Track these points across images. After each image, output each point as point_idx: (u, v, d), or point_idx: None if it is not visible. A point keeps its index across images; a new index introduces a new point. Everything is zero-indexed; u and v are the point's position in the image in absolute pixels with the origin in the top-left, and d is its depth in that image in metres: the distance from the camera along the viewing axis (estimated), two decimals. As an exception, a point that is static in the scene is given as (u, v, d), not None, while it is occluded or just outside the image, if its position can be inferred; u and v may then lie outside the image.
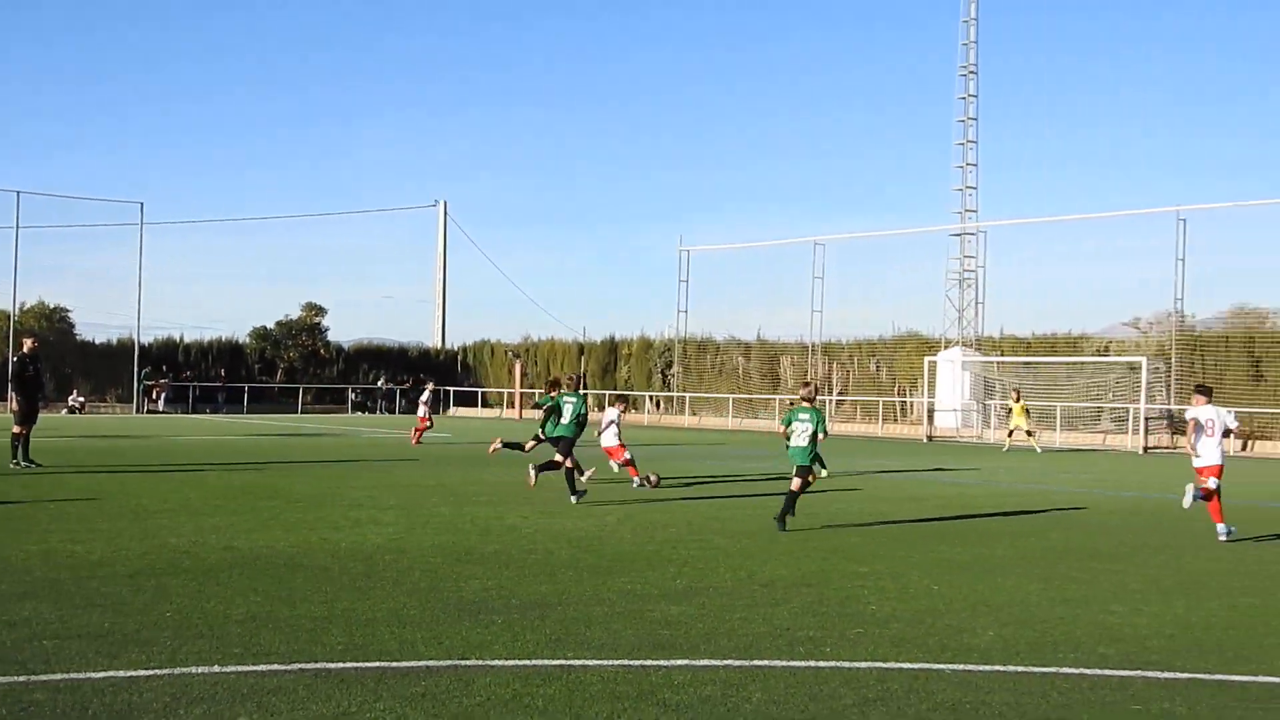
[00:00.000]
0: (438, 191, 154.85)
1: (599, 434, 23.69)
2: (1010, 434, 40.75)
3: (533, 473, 20.23)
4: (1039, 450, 40.05)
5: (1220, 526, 16.00)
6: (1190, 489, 16.12)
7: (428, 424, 36.53)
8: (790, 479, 16.36)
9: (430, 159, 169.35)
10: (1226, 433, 16.40)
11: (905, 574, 12.60)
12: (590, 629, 9.43)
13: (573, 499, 18.85)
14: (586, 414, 20.13)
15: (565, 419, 19.83)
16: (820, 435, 16.30)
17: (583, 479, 21.40)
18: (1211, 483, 16.10)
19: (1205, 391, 16.90)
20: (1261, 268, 54.41)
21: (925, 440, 45.18)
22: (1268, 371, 43.27)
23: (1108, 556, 14.32)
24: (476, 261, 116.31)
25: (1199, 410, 16.52)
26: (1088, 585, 12.15)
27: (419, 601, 10.42)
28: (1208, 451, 16.33)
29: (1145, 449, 41.47)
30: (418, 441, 35.87)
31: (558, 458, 19.69)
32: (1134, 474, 29.17)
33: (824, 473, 24.00)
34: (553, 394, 21.62)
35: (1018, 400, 40.64)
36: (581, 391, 20.63)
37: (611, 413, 24.21)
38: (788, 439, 16.42)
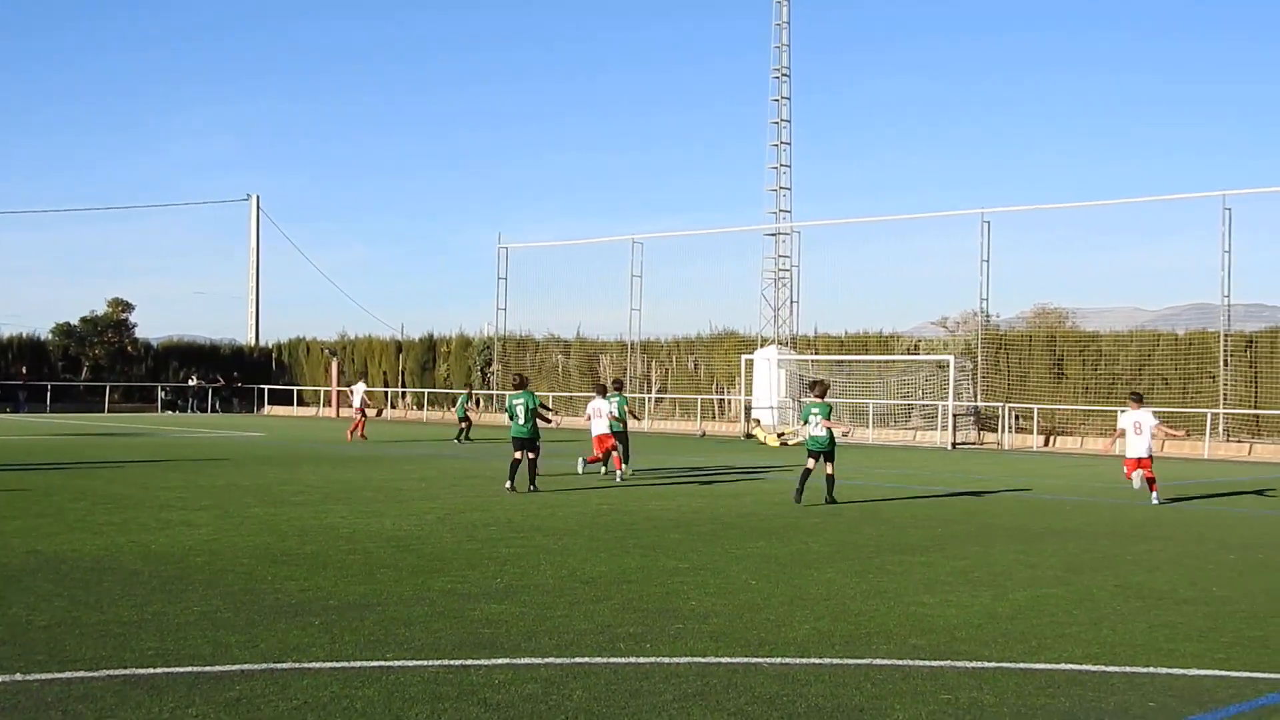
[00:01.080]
0: (250, 185, 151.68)
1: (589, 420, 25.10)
2: (782, 432, 42.72)
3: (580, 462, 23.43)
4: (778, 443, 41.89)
5: (1154, 495, 21.27)
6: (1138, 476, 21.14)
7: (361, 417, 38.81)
8: (805, 462, 20.54)
9: (242, 152, 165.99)
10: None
11: (725, 569, 12.75)
12: (410, 629, 9.34)
13: (520, 486, 21.10)
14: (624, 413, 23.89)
15: (520, 419, 21.20)
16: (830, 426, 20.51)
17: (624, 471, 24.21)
18: (1138, 478, 21.23)
19: (1137, 398, 21.90)
20: (1061, 269, 56.36)
21: (743, 438, 45.76)
22: (1068, 370, 44.87)
23: (919, 549, 14.69)
24: (291, 257, 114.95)
25: (1132, 415, 21.25)
26: (900, 578, 12.45)
27: (233, 604, 10.20)
28: (1140, 446, 21.17)
29: (954, 444, 42.66)
30: (363, 435, 38.43)
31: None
32: (943, 469, 29.99)
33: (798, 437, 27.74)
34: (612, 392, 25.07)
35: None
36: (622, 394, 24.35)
37: (602, 404, 25.09)
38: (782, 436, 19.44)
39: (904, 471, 28.93)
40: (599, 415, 24.77)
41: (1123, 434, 21.65)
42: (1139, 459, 21.28)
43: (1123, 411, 22.47)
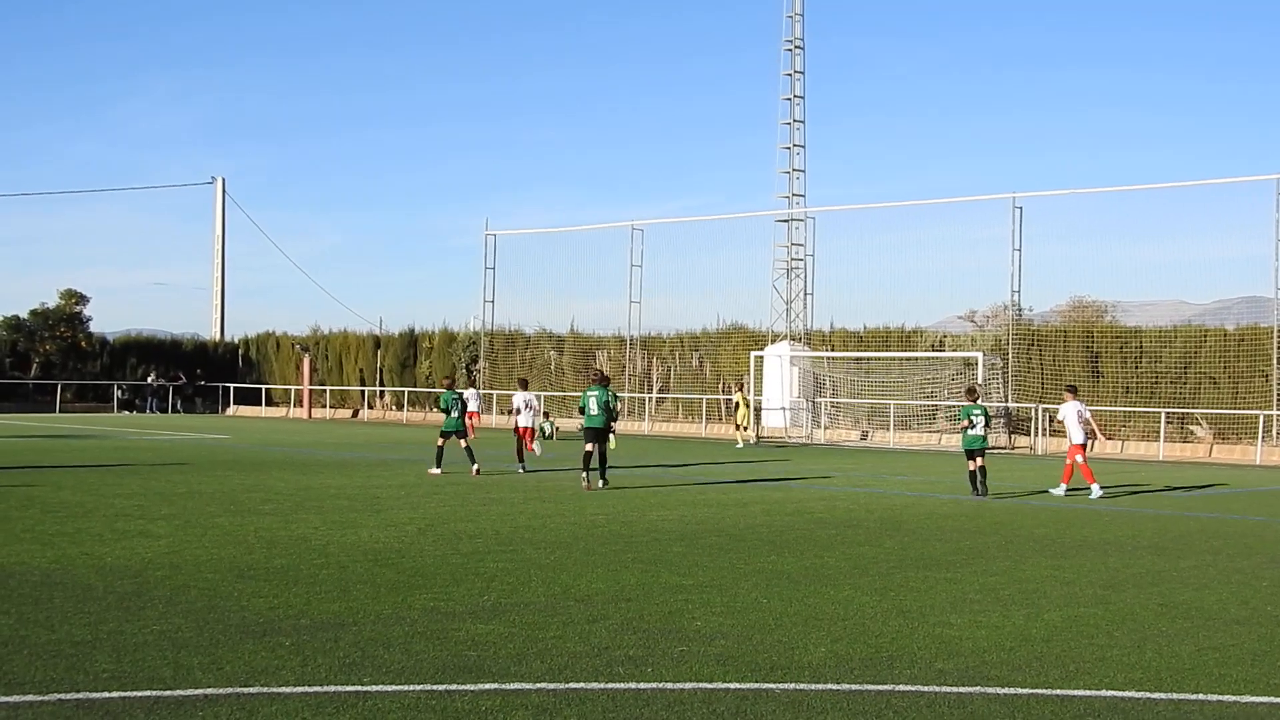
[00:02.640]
0: (215, 168, 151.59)
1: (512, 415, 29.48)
2: (741, 428, 42.97)
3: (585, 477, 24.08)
4: (741, 445, 42.23)
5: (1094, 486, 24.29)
6: (1097, 486, 24.28)
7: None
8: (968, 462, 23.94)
9: (207, 132, 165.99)
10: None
11: (732, 586, 12.73)
12: (389, 651, 9.32)
13: (593, 481, 23.78)
14: (615, 404, 24.59)
15: (594, 410, 24.10)
16: (984, 426, 24.17)
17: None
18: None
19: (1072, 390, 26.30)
20: (1100, 259, 56.22)
21: (753, 441, 45.78)
22: (1107, 368, 44.81)
23: (945, 564, 14.68)
24: (260, 246, 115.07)
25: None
26: (924, 595, 12.43)
27: (196, 622, 10.18)
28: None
29: (981, 450, 42.64)
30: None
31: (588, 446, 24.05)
32: (970, 476, 29.94)
33: None
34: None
35: (740, 390, 43.74)
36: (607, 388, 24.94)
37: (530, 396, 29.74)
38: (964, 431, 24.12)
39: (928, 479, 28.92)
40: (528, 408, 29.28)
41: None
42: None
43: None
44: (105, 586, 11.88)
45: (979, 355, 44.95)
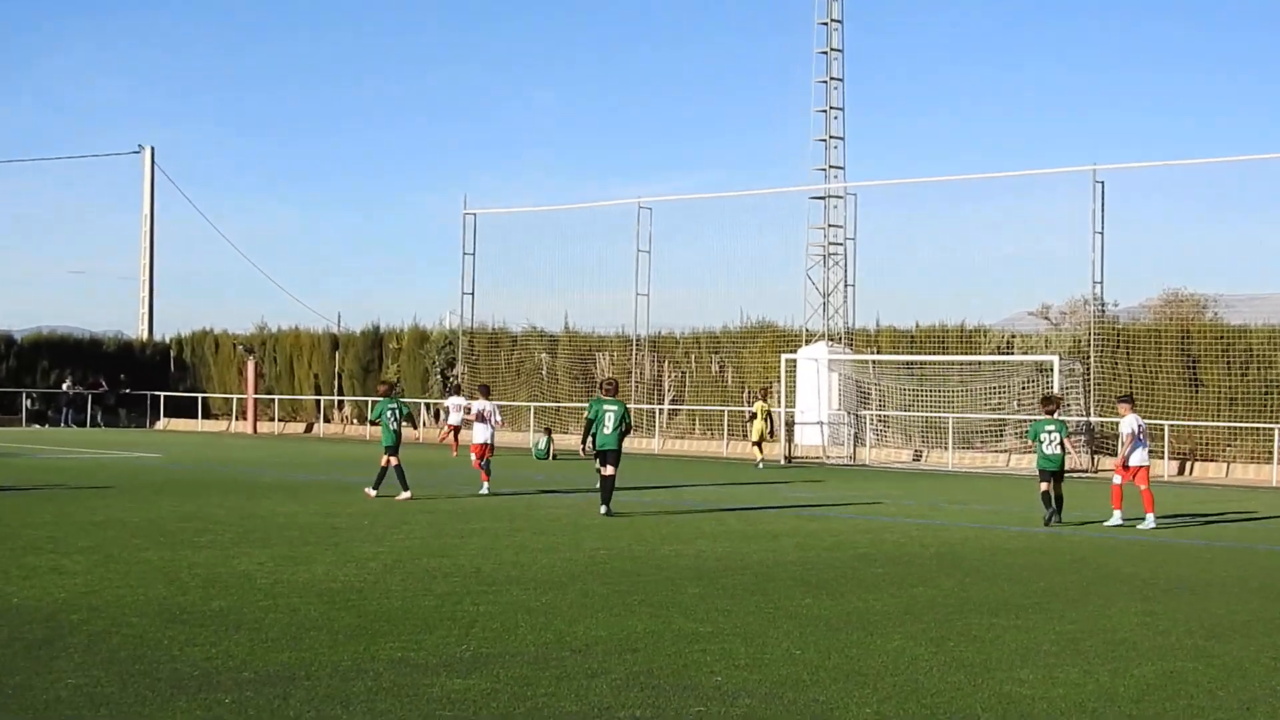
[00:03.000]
0: (144, 136, 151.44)
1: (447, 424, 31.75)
2: (758, 445, 43.61)
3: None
4: (760, 465, 42.83)
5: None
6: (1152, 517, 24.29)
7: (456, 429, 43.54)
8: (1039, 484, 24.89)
9: (134, 95, 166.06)
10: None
11: (759, 634, 12.72)
12: (348, 711, 9.32)
13: (602, 510, 24.15)
14: (630, 421, 25.34)
15: (608, 428, 24.67)
16: (1064, 443, 24.75)
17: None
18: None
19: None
20: (1199, 244, 56.21)
21: (784, 461, 45.75)
22: (1207, 375, 44.59)
23: (1013, 608, 14.66)
24: (196, 228, 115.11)
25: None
26: (989, 646, 12.41)
27: (119, 676, 10.18)
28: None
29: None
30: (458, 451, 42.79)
31: (608, 469, 24.50)
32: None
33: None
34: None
35: (764, 399, 44.39)
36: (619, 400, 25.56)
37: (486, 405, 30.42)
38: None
39: (993, 507, 28.91)
40: (482, 419, 29.92)
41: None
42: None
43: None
44: (10, 632, 11.88)
45: (1054, 359, 44.84)
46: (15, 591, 14.18)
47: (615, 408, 24.80)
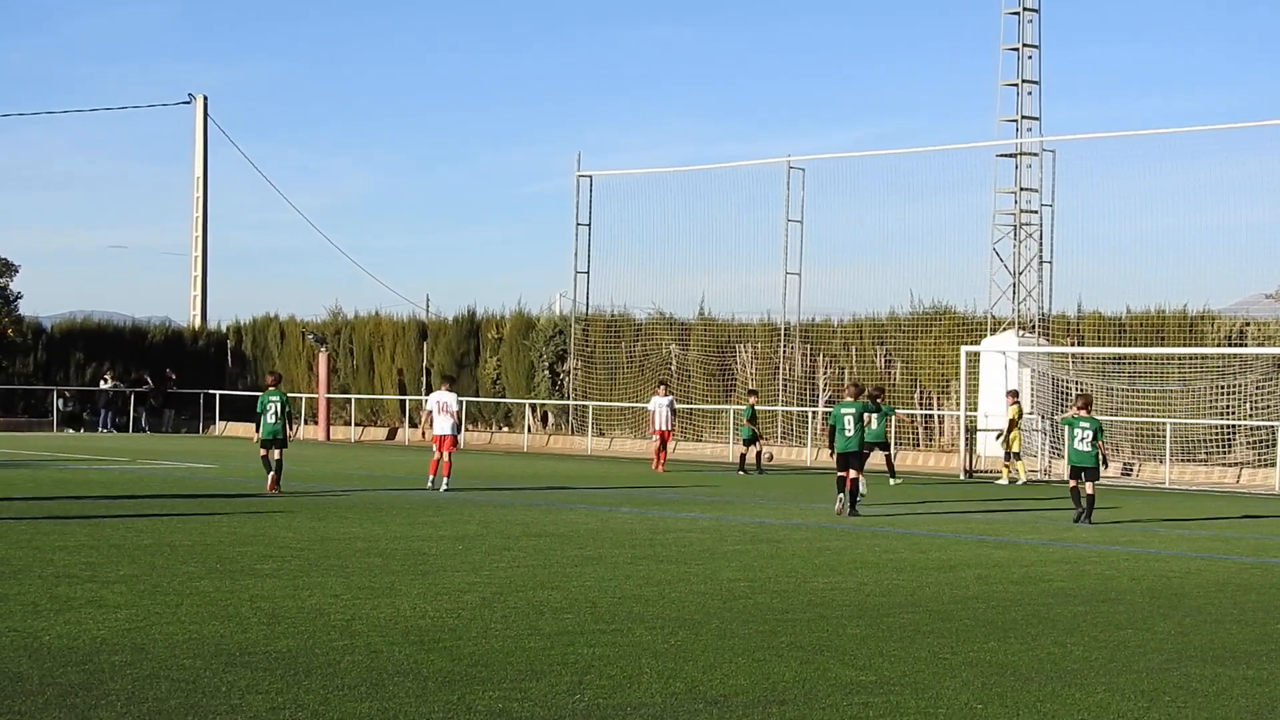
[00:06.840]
0: (196, 84, 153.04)
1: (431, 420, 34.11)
2: (1015, 458, 43.95)
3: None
4: (1006, 481, 43.16)
5: None
6: None
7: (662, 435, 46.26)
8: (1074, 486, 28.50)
9: (186, 37, 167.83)
10: None
11: (933, 685, 12.69)
12: (439, 774, 9.37)
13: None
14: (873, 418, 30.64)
15: (849, 430, 29.36)
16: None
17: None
18: None
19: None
20: None
21: (963, 476, 45.52)
22: None
23: (1244, 657, 14.51)
24: (259, 195, 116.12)
25: None
26: (1215, 702, 12.30)
27: (167, 731, 10.29)
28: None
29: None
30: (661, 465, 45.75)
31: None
32: (1282, 528, 29.65)
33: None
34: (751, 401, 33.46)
35: (1015, 401, 44.03)
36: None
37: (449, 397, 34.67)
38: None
39: (1219, 534, 28.61)
40: (446, 411, 34.01)
41: None
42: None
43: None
44: (41, 677, 12.01)
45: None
46: (47, 628, 14.32)
47: (855, 409, 29.58)
